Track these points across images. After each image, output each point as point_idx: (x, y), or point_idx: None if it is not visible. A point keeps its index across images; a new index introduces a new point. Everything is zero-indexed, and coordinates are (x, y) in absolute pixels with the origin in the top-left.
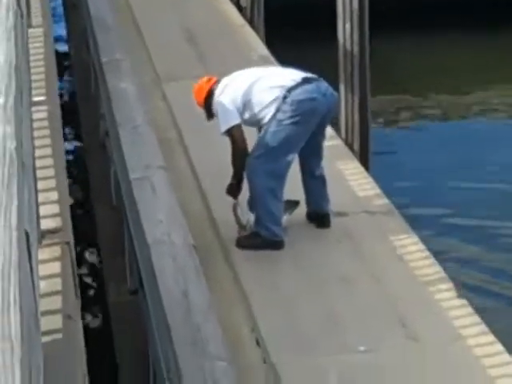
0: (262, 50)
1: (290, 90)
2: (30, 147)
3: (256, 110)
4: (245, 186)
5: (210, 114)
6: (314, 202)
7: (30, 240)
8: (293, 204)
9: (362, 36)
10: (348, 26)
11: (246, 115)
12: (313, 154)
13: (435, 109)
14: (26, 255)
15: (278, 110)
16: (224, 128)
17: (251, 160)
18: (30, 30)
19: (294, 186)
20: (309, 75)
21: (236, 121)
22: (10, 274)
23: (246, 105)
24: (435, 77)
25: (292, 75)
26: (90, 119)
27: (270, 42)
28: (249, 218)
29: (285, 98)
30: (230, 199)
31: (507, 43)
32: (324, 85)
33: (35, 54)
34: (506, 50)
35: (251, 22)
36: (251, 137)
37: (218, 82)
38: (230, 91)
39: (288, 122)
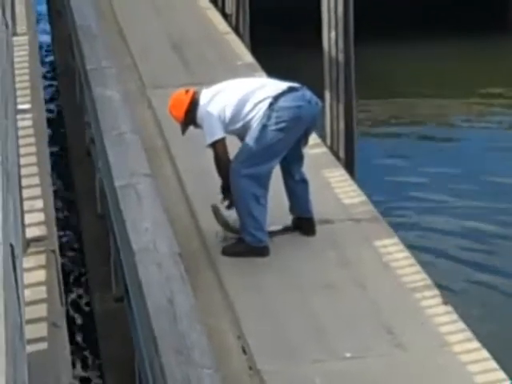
0: (248, 57)
1: (277, 97)
2: (15, 157)
3: (245, 120)
4: None
5: (186, 127)
6: (298, 207)
7: (15, 253)
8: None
9: (347, 44)
10: (333, 34)
11: (234, 126)
12: (294, 161)
13: (422, 115)
14: (11, 268)
15: (263, 117)
16: (209, 141)
17: (235, 165)
18: (15, 38)
19: (278, 199)
20: (294, 84)
21: (220, 135)
22: None
23: (234, 116)
24: (421, 83)
25: (278, 84)
26: (75, 127)
27: (256, 49)
28: (234, 216)
29: (271, 105)
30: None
31: (495, 49)
32: (309, 93)
33: (20, 62)
34: (495, 55)
35: (236, 30)
36: (236, 145)
37: (197, 92)
38: (217, 102)
39: (273, 128)
